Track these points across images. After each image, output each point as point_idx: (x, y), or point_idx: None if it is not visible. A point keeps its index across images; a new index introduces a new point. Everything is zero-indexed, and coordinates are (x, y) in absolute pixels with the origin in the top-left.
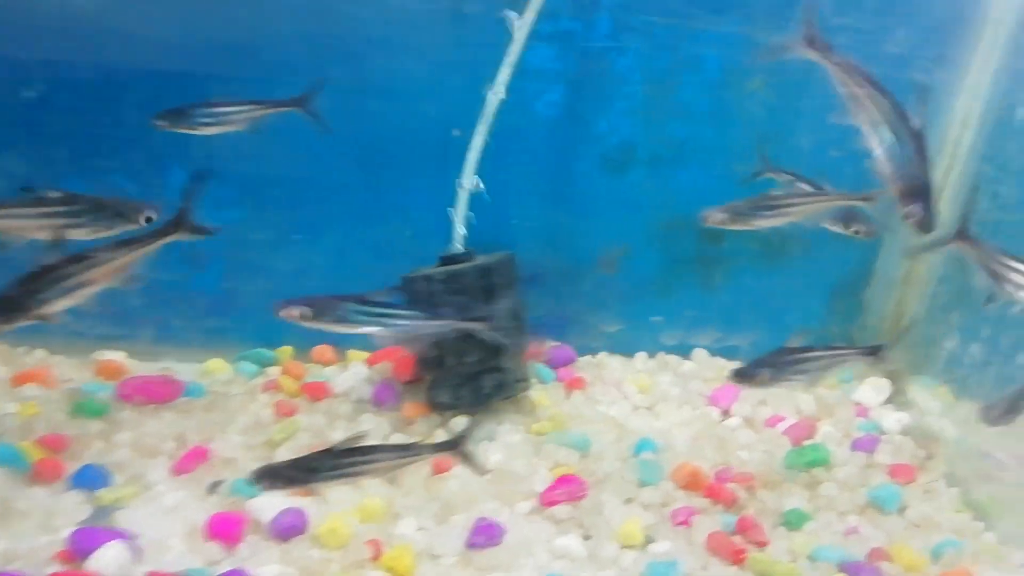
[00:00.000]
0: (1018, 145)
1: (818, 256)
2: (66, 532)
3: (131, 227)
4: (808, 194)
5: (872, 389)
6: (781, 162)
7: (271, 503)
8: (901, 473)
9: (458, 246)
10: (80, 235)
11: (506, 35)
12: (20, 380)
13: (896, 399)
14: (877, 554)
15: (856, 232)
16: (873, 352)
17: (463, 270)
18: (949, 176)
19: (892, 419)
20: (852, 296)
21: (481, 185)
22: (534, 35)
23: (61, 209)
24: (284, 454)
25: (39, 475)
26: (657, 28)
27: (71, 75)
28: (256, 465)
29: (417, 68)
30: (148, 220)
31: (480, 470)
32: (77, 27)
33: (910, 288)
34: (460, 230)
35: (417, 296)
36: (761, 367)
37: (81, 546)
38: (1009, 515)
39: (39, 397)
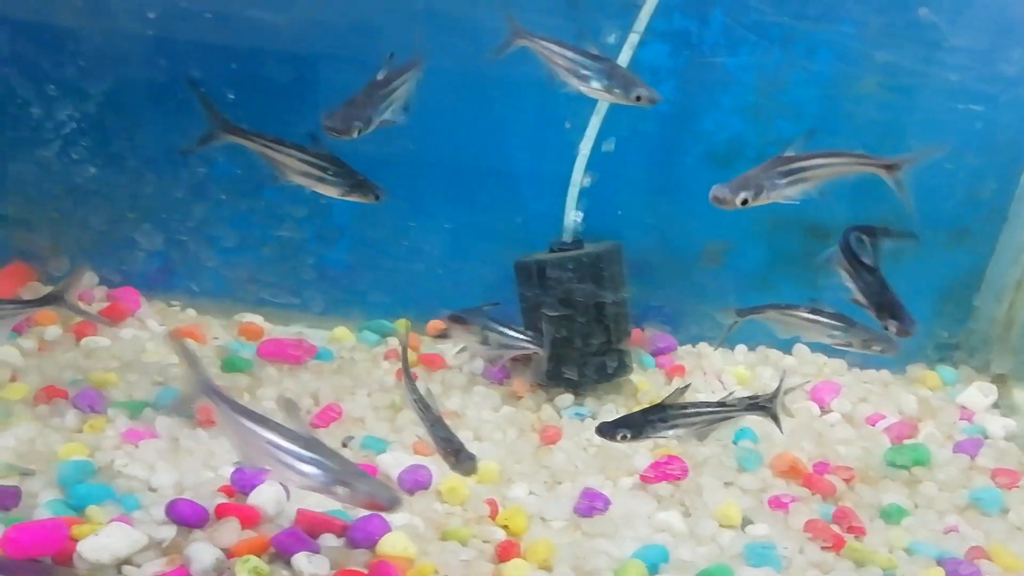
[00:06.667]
0: None
1: (927, 258)
2: (225, 470)
3: (361, 200)
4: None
5: (978, 393)
6: None
7: (398, 459)
8: (1004, 476)
9: (567, 236)
10: (322, 191)
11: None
12: (177, 335)
13: (1002, 404)
14: (976, 552)
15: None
16: (763, 407)
17: (574, 257)
18: None
19: (997, 424)
20: (961, 300)
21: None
22: (649, 32)
23: (324, 166)
24: (407, 417)
25: (200, 420)
26: (770, 27)
27: None
28: (382, 425)
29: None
30: (376, 199)
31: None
32: None
33: (1022, 294)
34: (571, 218)
35: (528, 280)
36: (621, 428)
37: (242, 483)
38: None
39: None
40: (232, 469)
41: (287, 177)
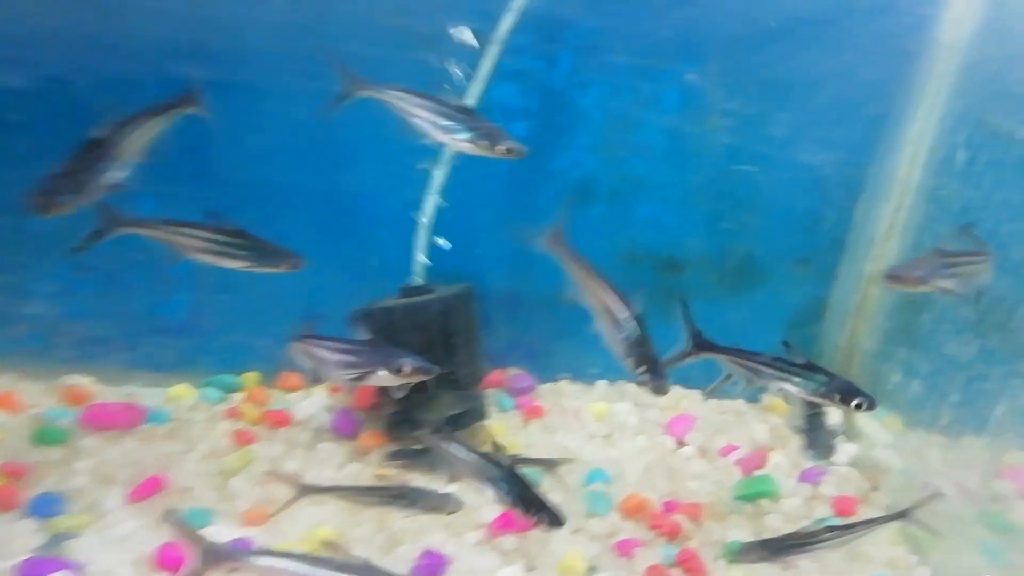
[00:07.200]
0: (959, 186)
1: (774, 287)
2: (19, 559)
3: (275, 271)
4: None
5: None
6: (729, 199)
7: (221, 533)
8: (843, 506)
9: (417, 278)
10: (232, 266)
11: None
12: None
13: (847, 430)
14: None
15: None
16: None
17: (423, 303)
18: (897, 214)
19: (841, 450)
20: (807, 327)
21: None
22: (499, 73)
23: (231, 241)
24: (239, 483)
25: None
26: (618, 67)
27: None
28: (210, 494)
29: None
30: (292, 268)
31: None
32: None
33: (862, 320)
34: (420, 262)
35: (376, 328)
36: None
37: (31, 574)
38: (943, 549)
39: (3, 424)
40: (23, 559)
41: (191, 257)
